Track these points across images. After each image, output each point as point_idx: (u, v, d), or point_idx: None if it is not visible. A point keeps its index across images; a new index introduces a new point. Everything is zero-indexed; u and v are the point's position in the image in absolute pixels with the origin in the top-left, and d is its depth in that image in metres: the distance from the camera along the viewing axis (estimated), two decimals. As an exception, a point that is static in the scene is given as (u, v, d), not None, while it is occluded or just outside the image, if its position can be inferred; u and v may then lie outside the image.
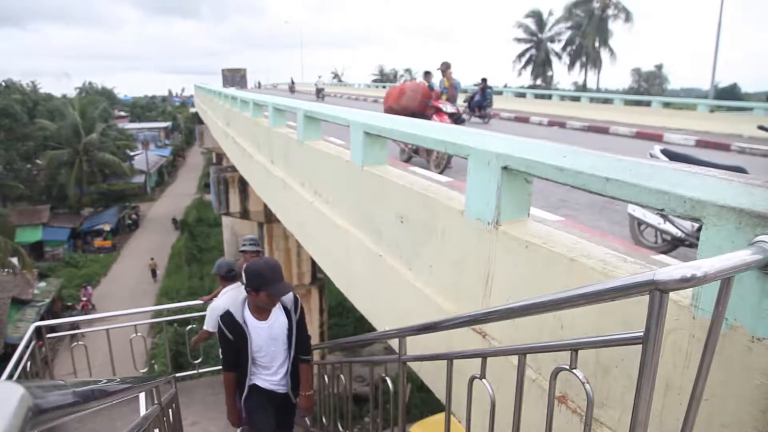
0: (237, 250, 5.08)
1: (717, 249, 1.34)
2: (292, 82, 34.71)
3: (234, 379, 3.12)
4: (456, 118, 7.22)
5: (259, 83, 47.17)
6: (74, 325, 11.77)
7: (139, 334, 5.27)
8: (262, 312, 2.97)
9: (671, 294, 1.05)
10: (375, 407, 3.55)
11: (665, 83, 47.55)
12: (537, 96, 19.88)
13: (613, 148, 2.13)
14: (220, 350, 3.15)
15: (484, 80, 12.63)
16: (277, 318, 3.02)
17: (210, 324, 4.38)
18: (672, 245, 3.51)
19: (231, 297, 4.44)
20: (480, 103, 12.43)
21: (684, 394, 1.41)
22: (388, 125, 3.62)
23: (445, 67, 7.57)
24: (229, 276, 4.50)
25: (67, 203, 30.25)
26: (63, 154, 30.02)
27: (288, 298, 3.05)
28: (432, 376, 2.89)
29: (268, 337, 2.99)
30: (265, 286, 2.80)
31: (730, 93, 37.48)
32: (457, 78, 7.74)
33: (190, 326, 5.74)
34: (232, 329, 2.94)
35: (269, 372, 3.11)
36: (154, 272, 23.61)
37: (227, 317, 2.96)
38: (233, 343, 2.97)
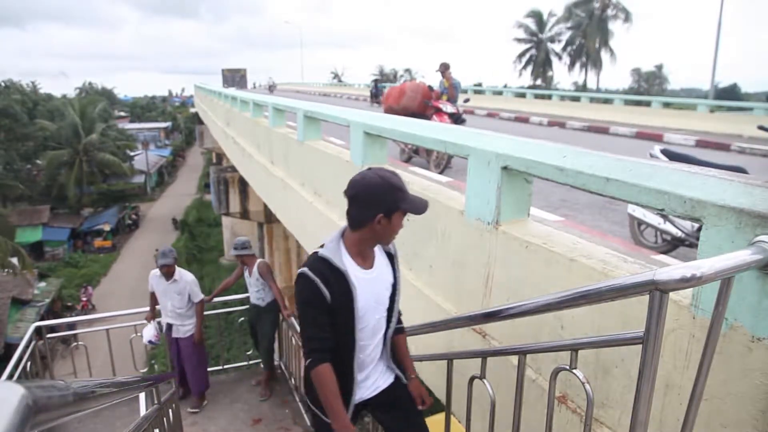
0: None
1: (717, 249, 1.34)
2: (273, 82, 39.97)
3: (333, 375, 1.82)
4: (456, 118, 7.21)
5: (255, 84, 47.17)
6: (74, 326, 11.78)
7: (139, 334, 5.27)
8: (365, 257, 1.90)
9: (671, 294, 1.05)
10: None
11: (665, 83, 47.54)
12: (537, 96, 19.88)
13: (613, 149, 2.13)
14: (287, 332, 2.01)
15: (376, 80, 22.30)
16: (381, 266, 1.96)
17: (149, 335, 4.81)
18: (672, 245, 3.51)
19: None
20: (375, 94, 20.65)
21: (684, 394, 1.42)
22: (388, 125, 3.62)
23: (444, 68, 7.59)
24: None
25: (67, 203, 30.23)
26: (63, 155, 30.02)
27: None
28: (432, 376, 2.88)
29: (372, 295, 1.90)
30: (403, 201, 1.77)
31: (730, 93, 37.46)
32: (456, 78, 7.73)
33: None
34: (330, 281, 1.78)
35: (367, 359, 1.98)
36: None
37: (321, 263, 1.80)
38: (329, 306, 1.79)
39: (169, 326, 4.81)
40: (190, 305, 4.77)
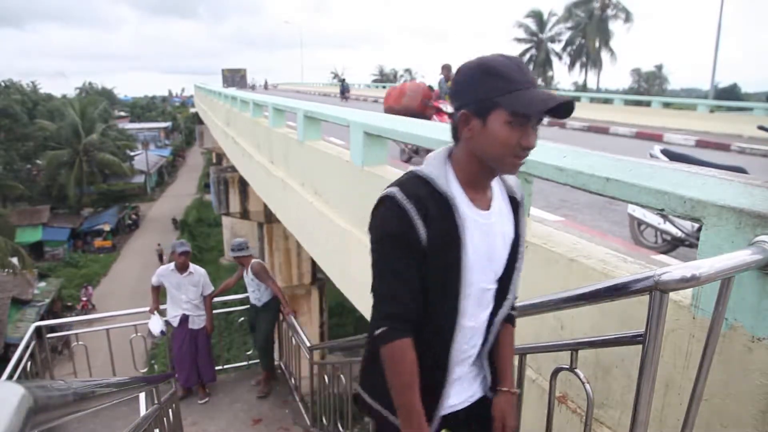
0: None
1: (717, 249, 1.34)
2: (266, 83, 45.45)
3: (414, 356, 1.20)
4: (456, 118, 7.24)
5: (251, 85, 47.28)
6: (73, 325, 11.77)
7: (139, 334, 5.27)
8: (478, 189, 1.24)
9: (671, 294, 1.05)
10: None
11: (665, 83, 47.54)
12: (537, 96, 19.84)
13: (613, 149, 2.13)
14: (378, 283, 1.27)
15: (343, 80, 27.57)
16: (500, 212, 1.29)
17: (158, 327, 4.82)
18: (672, 245, 3.51)
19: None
20: (342, 91, 24.37)
21: (684, 394, 1.42)
22: (388, 125, 3.62)
23: (447, 71, 7.69)
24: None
25: (67, 203, 30.23)
26: (63, 155, 30.02)
27: (512, 177, 1.35)
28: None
29: (486, 249, 1.25)
30: (502, 93, 1.10)
31: (730, 93, 37.47)
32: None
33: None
34: (430, 211, 1.17)
35: (468, 348, 1.33)
36: (161, 257, 23.97)
37: (419, 184, 1.20)
38: (423, 251, 1.18)
39: (184, 319, 4.85)
40: (203, 297, 4.94)
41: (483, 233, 1.23)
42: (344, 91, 24.51)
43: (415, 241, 1.17)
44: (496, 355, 1.42)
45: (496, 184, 1.30)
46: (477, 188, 1.24)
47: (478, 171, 1.21)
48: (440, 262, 1.19)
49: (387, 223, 1.20)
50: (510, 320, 1.42)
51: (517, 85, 1.10)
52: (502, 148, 1.13)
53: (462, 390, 1.36)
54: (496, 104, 1.10)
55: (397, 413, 1.22)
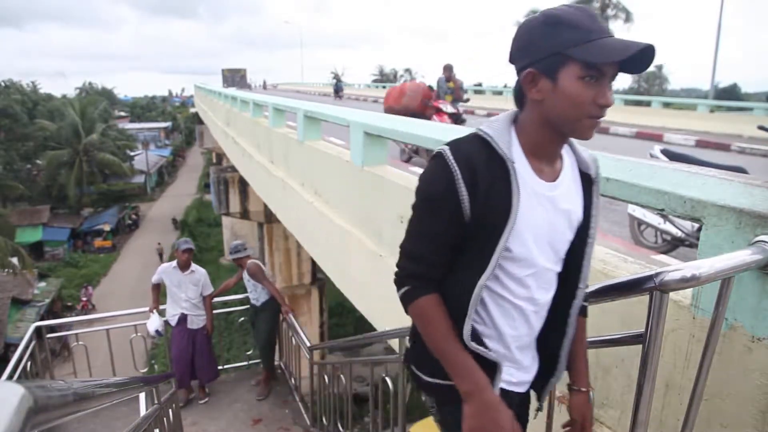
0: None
1: (717, 249, 1.34)
2: (264, 83, 48.01)
3: (443, 309, 1.12)
4: (456, 118, 7.24)
5: (247, 85, 47.15)
6: (73, 326, 11.78)
7: (139, 334, 5.27)
8: (543, 158, 1.12)
9: (671, 294, 1.05)
10: (375, 407, 3.55)
11: (665, 83, 47.50)
12: (537, 96, 19.84)
13: (613, 148, 2.13)
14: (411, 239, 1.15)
15: (337, 77, 32.87)
16: (568, 187, 1.16)
17: (155, 326, 4.80)
18: (672, 245, 3.51)
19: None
20: (336, 90, 25.40)
21: (684, 394, 1.42)
22: (388, 125, 3.62)
23: (447, 71, 7.70)
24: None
25: (67, 203, 30.24)
26: (63, 155, 30.03)
27: (588, 150, 1.23)
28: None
29: (546, 225, 1.12)
30: (573, 43, 0.98)
31: (730, 93, 37.47)
32: (460, 78, 7.82)
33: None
34: (480, 177, 1.04)
35: (525, 329, 1.19)
36: (161, 256, 24.18)
37: (476, 146, 1.08)
38: (463, 222, 1.07)
39: (183, 318, 4.85)
40: (202, 297, 4.95)
41: (544, 206, 1.10)
42: (338, 90, 25.62)
43: (455, 208, 1.06)
44: (571, 353, 1.26)
45: (567, 157, 1.17)
46: (542, 158, 1.11)
47: (547, 138, 1.09)
48: (482, 231, 1.07)
49: (430, 183, 1.10)
50: (582, 312, 1.26)
51: (589, 34, 0.98)
52: (576, 109, 1.03)
53: (519, 374, 1.24)
54: (567, 58, 0.99)
55: (446, 369, 1.12)
